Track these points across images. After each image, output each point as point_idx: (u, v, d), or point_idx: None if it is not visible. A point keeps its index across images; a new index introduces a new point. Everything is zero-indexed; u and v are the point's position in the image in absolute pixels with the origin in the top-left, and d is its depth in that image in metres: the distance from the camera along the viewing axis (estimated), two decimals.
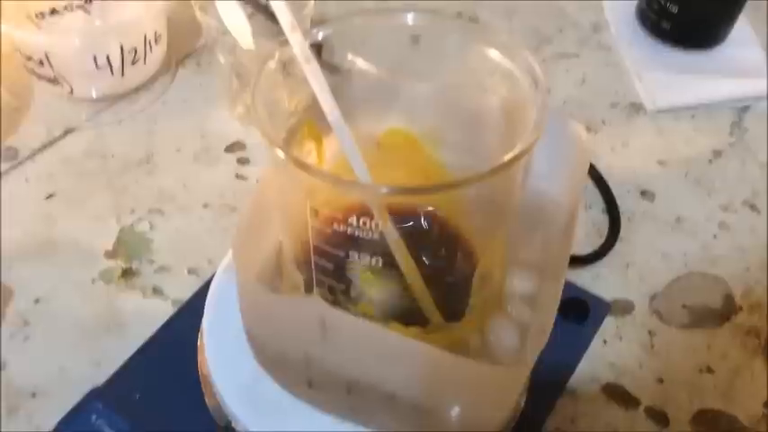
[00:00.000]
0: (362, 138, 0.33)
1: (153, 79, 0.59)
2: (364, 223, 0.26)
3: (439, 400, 0.27)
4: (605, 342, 0.46)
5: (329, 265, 0.27)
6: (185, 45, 0.63)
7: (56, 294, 0.47)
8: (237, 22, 0.49)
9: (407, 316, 0.29)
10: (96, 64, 0.54)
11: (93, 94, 0.57)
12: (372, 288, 0.28)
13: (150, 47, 0.56)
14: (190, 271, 0.48)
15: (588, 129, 0.58)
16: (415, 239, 0.28)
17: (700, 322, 0.47)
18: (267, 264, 0.31)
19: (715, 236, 0.52)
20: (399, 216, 0.28)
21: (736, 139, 0.58)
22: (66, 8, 0.55)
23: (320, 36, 0.30)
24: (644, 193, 0.54)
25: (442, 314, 0.29)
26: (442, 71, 0.30)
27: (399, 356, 0.26)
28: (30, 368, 0.44)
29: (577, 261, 0.49)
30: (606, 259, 0.50)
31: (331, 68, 0.37)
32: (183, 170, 0.54)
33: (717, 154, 0.57)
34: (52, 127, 0.56)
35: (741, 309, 0.48)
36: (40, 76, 0.55)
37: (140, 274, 0.48)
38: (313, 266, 0.28)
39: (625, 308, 0.48)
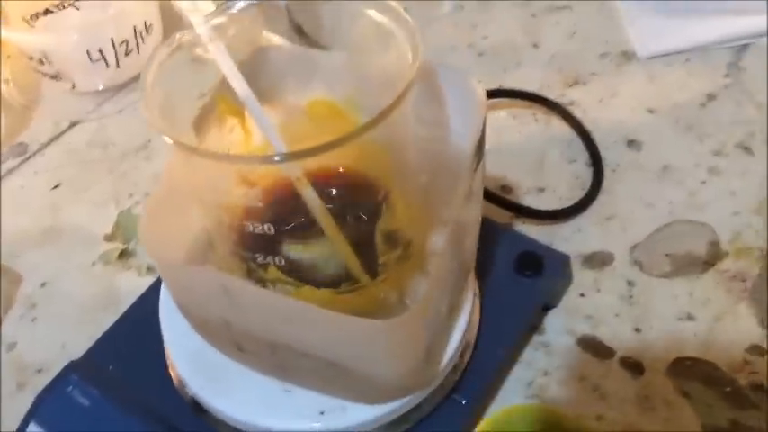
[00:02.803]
0: (290, 111, 0.34)
1: None
2: (257, 194, 0.27)
3: (345, 356, 0.28)
4: (582, 295, 0.46)
5: (234, 236, 0.28)
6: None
7: (60, 278, 0.51)
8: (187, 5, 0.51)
9: (321, 279, 0.30)
10: (90, 58, 0.57)
11: (95, 87, 0.60)
12: (279, 255, 0.29)
13: (142, 38, 0.59)
14: None
15: (575, 82, 0.57)
16: (331, 200, 0.29)
17: (682, 270, 0.47)
18: (197, 241, 0.32)
19: (704, 182, 0.51)
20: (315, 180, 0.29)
21: (732, 80, 0.56)
22: (57, 7, 0.57)
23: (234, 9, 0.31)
24: (631, 143, 0.53)
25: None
26: (343, 38, 0.31)
27: (299, 320, 0.27)
28: (36, 347, 0.47)
29: (556, 215, 0.49)
30: (588, 212, 0.50)
31: (311, 43, 0.39)
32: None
33: (710, 97, 0.55)
34: (59, 120, 0.60)
35: (727, 254, 0.47)
36: (44, 74, 0.59)
37: (136, 254, 0.51)
38: (224, 237, 0.29)
39: (604, 260, 0.47)
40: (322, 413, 0.32)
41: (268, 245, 0.28)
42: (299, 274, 0.29)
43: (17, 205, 0.55)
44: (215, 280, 0.27)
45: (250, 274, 0.29)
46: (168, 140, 0.26)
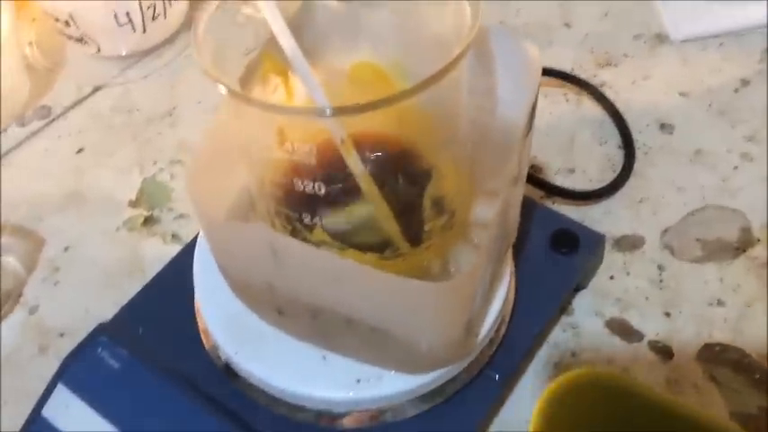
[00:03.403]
0: (332, 73, 0.34)
1: (176, 34, 0.61)
2: (310, 149, 0.26)
3: (390, 321, 0.28)
4: (612, 278, 0.45)
5: (280, 194, 0.28)
6: None
7: (83, 242, 0.50)
8: None
9: (366, 244, 0.29)
10: (117, 21, 0.56)
11: (120, 52, 0.59)
12: (327, 216, 0.28)
13: (169, 1, 0.58)
14: None
15: (607, 63, 0.57)
16: (373, 166, 0.29)
17: (713, 255, 0.46)
18: (239, 200, 0.32)
19: (736, 167, 0.50)
20: (358, 144, 0.28)
21: (766, 65, 0.55)
22: None
23: None
24: (663, 127, 0.53)
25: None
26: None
27: (347, 280, 0.27)
28: (59, 310, 0.47)
29: (586, 197, 0.48)
30: (619, 194, 0.49)
31: None
32: (204, 121, 0.56)
33: (744, 83, 0.55)
34: (82, 85, 0.59)
35: (758, 241, 0.47)
36: (69, 37, 0.58)
37: (161, 221, 0.51)
38: (269, 196, 0.29)
39: (635, 243, 0.47)
40: (358, 381, 0.32)
41: (316, 205, 0.28)
42: (344, 238, 0.29)
43: (40, 168, 0.54)
44: (263, 237, 0.26)
45: (294, 236, 0.29)
46: (222, 90, 0.25)
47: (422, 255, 0.30)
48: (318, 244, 0.29)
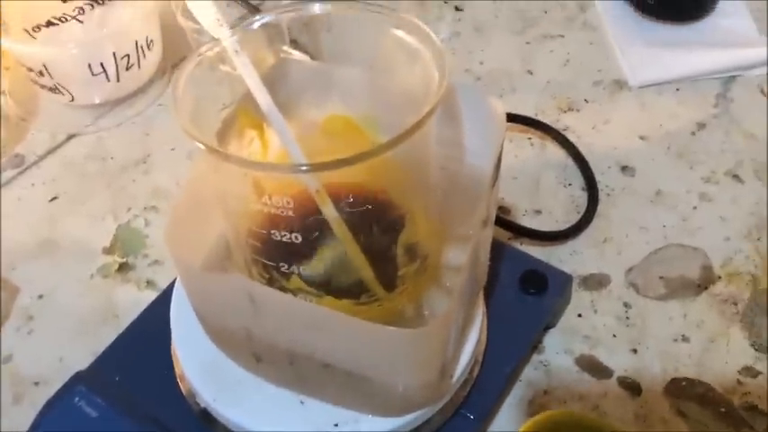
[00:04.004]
0: (305, 126, 0.35)
1: (149, 83, 0.62)
2: (287, 202, 0.27)
3: (366, 367, 0.29)
4: (580, 315, 0.47)
5: (258, 244, 0.29)
6: (180, 50, 0.65)
7: (58, 290, 0.50)
8: (211, 21, 0.51)
9: (341, 290, 0.30)
10: (92, 71, 0.57)
11: (93, 101, 0.60)
12: (303, 265, 0.29)
13: (143, 52, 0.59)
14: None
15: (569, 108, 0.59)
16: (348, 215, 0.30)
17: (677, 293, 0.48)
18: (215, 250, 0.33)
19: (695, 207, 0.52)
20: (334, 195, 0.29)
21: (720, 110, 0.58)
22: (60, 19, 0.57)
23: (254, 25, 0.32)
24: (624, 169, 0.55)
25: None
26: (364, 56, 0.32)
27: (324, 327, 0.28)
28: (33, 359, 0.47)
29: (553, 237, 0.50)
30: (584, 235, 0.51)
31: (309, 54, 0.39)
32: (178, 168, 0.57)
33: (700, 126, 0.57)
34: (56, 133, 0.60)
35: (719, 278, 0.48)
36: (42, 86, 0.58)
37: (135, 267, 0.51)
38: (246, 247, 0.30)
39: (601, 281, 0.48)
40: (336, 425, 0.33)
41: (293, 254, 0.29)
42: (320, 285, 0.30)
43: (14, 217, 0.54)
44: (241, 287, 0.27)
45: (271, 284, 0.30)
46: (201, 146, 0.26)
47: (396, 300, 0.31)
48: (295, 291, 0.30)
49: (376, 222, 0.30)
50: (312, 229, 0.28)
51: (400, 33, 0.29)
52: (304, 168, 0.27)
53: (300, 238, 0.28)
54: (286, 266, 0.29)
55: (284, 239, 0.28)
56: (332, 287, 0.30)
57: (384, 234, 0.30)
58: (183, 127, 0.27)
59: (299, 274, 0.29)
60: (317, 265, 0.30)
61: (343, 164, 0.26)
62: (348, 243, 0.30)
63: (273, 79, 0.33)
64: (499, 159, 0.31)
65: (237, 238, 0.30)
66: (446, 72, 0.27)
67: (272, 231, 0.28)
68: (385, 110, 0.33)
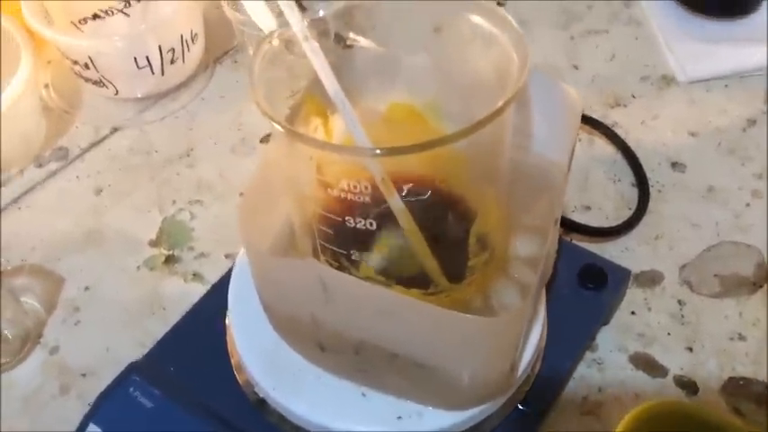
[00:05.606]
0: (368, 114, 0.34)
1: (192, 77, 0.62)
2: (365, 188, 0.27)
3: (438, 356, 0.28)
4: (633, 313, 0.46)
5: (330, 231, 0.28)
6: (223, 43, 0.65)
7: (103, 282, 0.50)
8: (264, 16, 0.51)
9: (409, 279, 0.30)
10: (137, 65, 0.57)
11: (137, 94, 0.60)
12: (375, 253, 0.29)
13: (187, 46, 0.59)
14: (227, 256, 0.51)
15: (617, 104, 0.58)
16: (417, 205, 0.29)
17: (731, 291, 0.47)
18: (280, 236, 0.32)
19: (748, 204, 0.51)
20: (401, 184, 0.29)
21: None
22: (107, 12, 0.58)
23: (320, 13, 0.32)
24: (675, 165, 0.54)
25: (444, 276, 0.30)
26: (436, 43, 0.31)
27: (397, 314, 0.27)
28: (80, 350, 0.47)
29: (604, 233, 0.49)
30: (635, 232, 0.50)
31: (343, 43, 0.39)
32: (221, 162, 0.57)
33: (751, 123, 0.56)
34: (100, 127, 0.60)
35: None
36: (86, 79, 0.59)
37: (181, 260, 0.51)
38: (316, 233, 0.29)
39: (654, 279, 0.48)
40: (399, 418, 0.32)
41: (364, 242, 0.28)
42: (388, 274, 0.29)
43: (59, 208, 0.54)
44: (314, 272, 0.27)
45: (340, 271, 0.29)
46: (278, 127, 0.26)
47: (464, 290, 0.30)
48: (364, 280, 0.29)
49: (449, 211, 0.29)
50: (386, 216, 0.28)
51: (475, 18, 0.29)
52: (378, 152, 0.26)
53: (375, 226, 0.27)
54: (357, 254, 0.28)
55: (358, 226, 0.27)
56: (401, 277, 0.30)
57: (456, 223, 0.30)
58: (262, 108, 0.26)
59: (369, 262, 0.29)
60: (386, 254, 0.29)
61: (419, 149, 0.26)
62: (412, 233, 0.29)
63: (338, 66, 0.33)
64: (573, 150, 0.30)
65: (307, 224, 0.30)
66: (527, 56, 0.27)
67: (347, 218, 0.27)
68: (449, 97, 0.33)
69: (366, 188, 0.26)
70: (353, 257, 0.29)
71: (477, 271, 0.30)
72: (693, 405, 0.34)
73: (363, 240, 0.28)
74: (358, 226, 0.27)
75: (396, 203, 0.29)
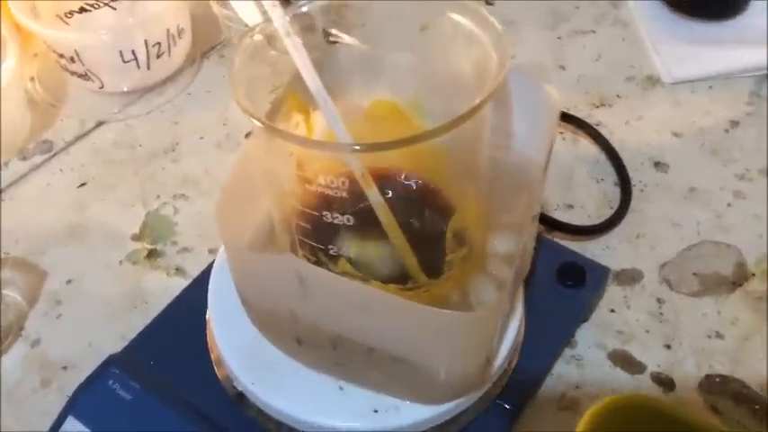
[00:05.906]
0: (350, 110, 0.35)
1: (178, 72, 0.62)
2: (343, 183, 0.27)
3: (414, 350, 0.28)
4: (613, 311, 0.46)
5: (308, 226, 0.29)
6: (210, 39, 0.65)
7: (86, 275, 0.50)
8: (250, 12, 0.51)
9: (387, 275, 0.30)
10: (123, 59, 0.57)
11: (123, 88, 0.60)
12: (352, 248, 0.29)
13: (174, 41, 0.59)
14: (210, 251, 0.51)
15: (601, 104, 0.58)
16: (395, 200, 0.29)
17: (710, 289, 0.47)
18: (260, 231, 0.32)
19: (729, 204, 0.52)
20: (380, 180, 0.29)
21: (754, 108, 0.57)
22: (93, 6, 0.58)
23: (303, 9, 0.32)
24: (657, 165, 0.54)
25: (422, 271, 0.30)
26: (420, 42, 0.32)
27: (373, 309, 0.27)
28: (61, 343, 0.47)
29: (586, 232, 0.49)
30: (617, 230, 0.50)
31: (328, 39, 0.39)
32: (206, 157, 0.57)
33: (734, 124, 0.57)
34: (85, 120, 0.60)
35: (753, 275, 0.48)
36: (72, 73, 0.58)
37: (164, 255, 0.51)
38: (294, 229, 0.29)
39: (634, 277, 0.48)
40: (375, 412, 0.32)
41: (342, 237, 0.28)
42: (366, 269, 0.30)
43: (42, 201, 0.54)
44: (291, 266, 0.27)
45: (318, 267, 0.29)
46: (257, 123, 0.26)
47: (442, 286, 0.31)
48: (342, 275, 0.29)
49: (427, 207, 0.30)
50: (364, 212, 0.28)
51: (456, 17, 0.29)
52: (358, 148, 0.26)
53: (352, 221, 0.27)
54: (335, 249, 0.29)
55: (336, 221, 0.27)
56: (378, 272, 0.30)
57: (435, 219, 0.30)
58: (241, 105, 0.26)
59: (347, 258, 0.29)
60: (365, 250, 0.29)
61: (399, 144, 0.26)
62: (392, 228, 0.30)
63: (322, 63, 0.33)
64: (551, 148, 0.31)
65: (286, 219, 0.30)
66: (506, 55, 0.27)
67: (324, 213, 0.27)
68: (431, 95, 0.33)
69: (344, 183, 0.26)
70: (331, 252, 0.29)
71: (455, 267, 0.31)
72: (657, 399, 0.34)
73: (341, 236, 0.29)
74: (335, 221, 0.27)
75: (375, 198, 0.29)
